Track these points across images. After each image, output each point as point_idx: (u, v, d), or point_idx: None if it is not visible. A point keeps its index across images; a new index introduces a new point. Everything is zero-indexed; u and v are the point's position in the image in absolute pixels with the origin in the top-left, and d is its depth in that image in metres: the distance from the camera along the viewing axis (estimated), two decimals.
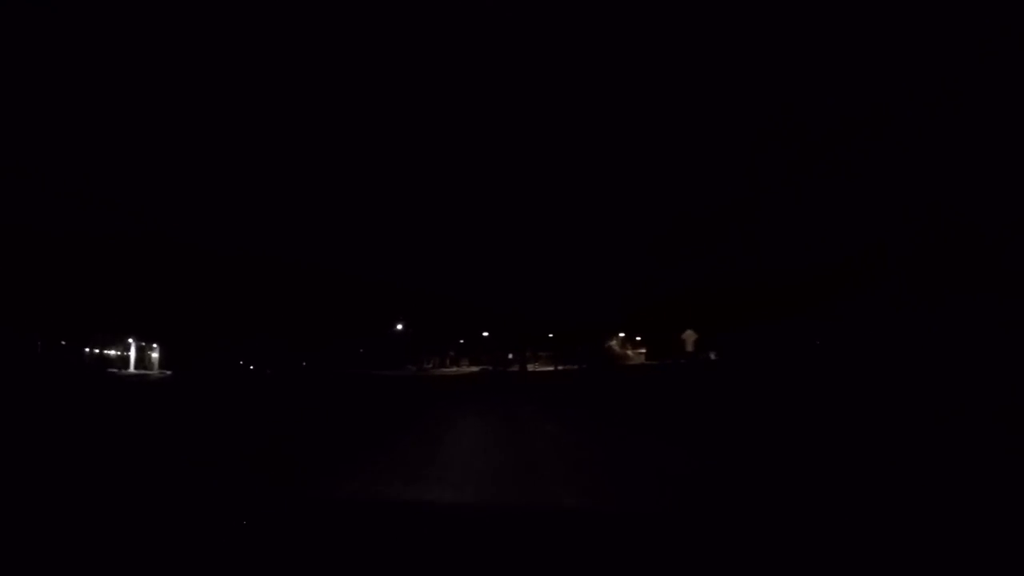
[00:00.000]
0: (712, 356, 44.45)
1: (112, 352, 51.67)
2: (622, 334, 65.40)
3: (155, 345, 56.14)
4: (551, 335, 64.63)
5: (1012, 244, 22.84)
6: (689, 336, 27.20)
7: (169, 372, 44.50)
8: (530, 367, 61.14)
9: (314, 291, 52.85)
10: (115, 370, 44.15)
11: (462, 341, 74.01)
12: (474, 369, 60.05)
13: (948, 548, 1.30)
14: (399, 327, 63.22)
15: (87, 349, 46.98)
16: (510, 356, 66.34)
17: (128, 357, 52.42)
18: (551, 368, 59.30)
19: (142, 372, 47.89)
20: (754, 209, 32.53)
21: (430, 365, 71.13)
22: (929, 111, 24.50)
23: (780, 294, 31.29)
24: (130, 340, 52.32)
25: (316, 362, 60.24)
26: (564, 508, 3.81)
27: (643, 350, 62.46)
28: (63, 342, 40.34)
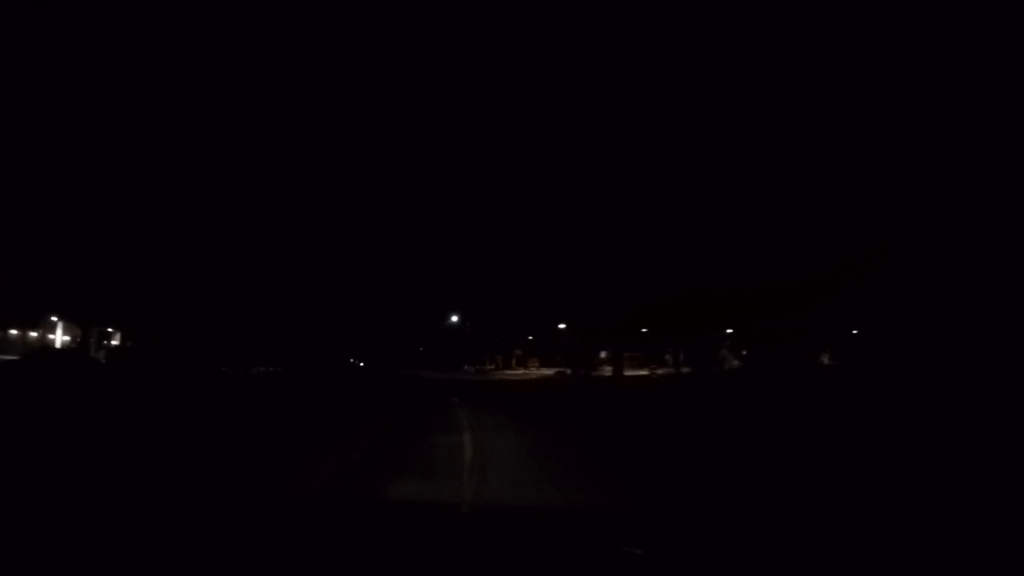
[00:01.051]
0: (826, 360, 37.92)
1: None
2: (730, 330, 48.14)
3: (111, 330, 42.80)
4: (644, 329, 48.06)
5: (1012, 244, 22.83)
6: None
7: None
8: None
9: (355, 292, 50.44)
10: None
11: (531, 337, 60.13)
12: (547, 372, 46.45)
13: (948, 549, 1.29)
14: (454, 319, 53.91)
15: None
16: (602, 355, 49.16)
17: (51, 342, 38.55)
18: (651, 371, 44.13)
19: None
20: (753, 209, 32.48)
21: (492, 366, 60.77)
22: (929, 111, 24.48)
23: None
24: (54, 318, 38.29)
25: (371, 362, 58.29)
26: (564, 508, 3.80)
27: (744, 351, 49.18)
28: None
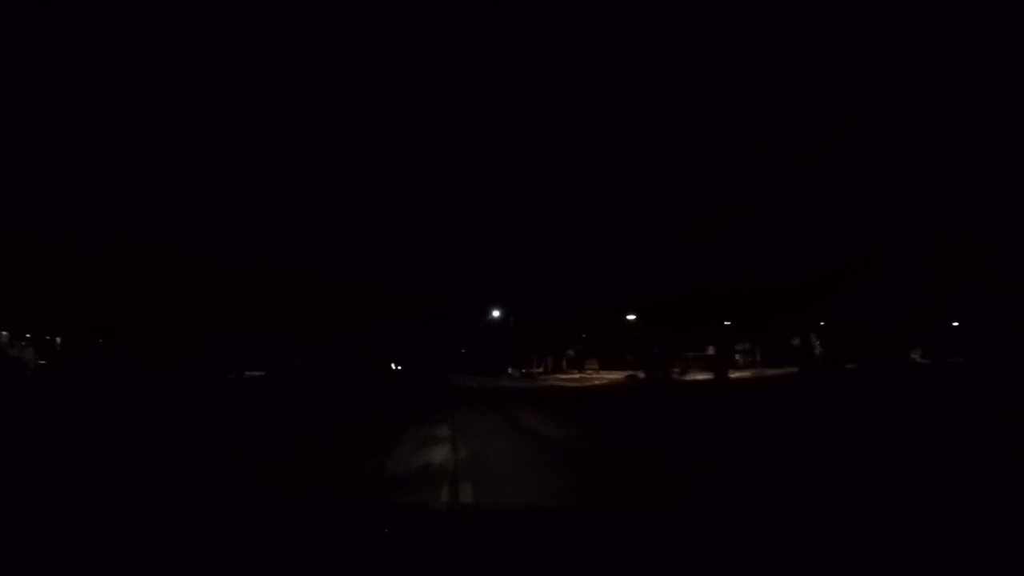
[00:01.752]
0: (916, 358, 33.03)
1: None
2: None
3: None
4: (727, 322, 38.07)
5: (1012, 244, 22.86)
6: None
7: None
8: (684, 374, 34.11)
9: (384, 293, 48.77)
10: None
11: (584, 335, 52.02)
12: (612, 376, 37.20)
13: (947, 550, 1.29)
14: (495, 314, 47.45)
15: None
16: (710, 350, 39.45)
17: None
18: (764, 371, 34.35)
19: None
20: (754, 209, 32.40)
21: (540, 369, 51.52)
22: (929, 111, 24.50)
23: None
24: None
25: (410, 365, 56.35)
26: (564, 508, 3.80)
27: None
28: None
